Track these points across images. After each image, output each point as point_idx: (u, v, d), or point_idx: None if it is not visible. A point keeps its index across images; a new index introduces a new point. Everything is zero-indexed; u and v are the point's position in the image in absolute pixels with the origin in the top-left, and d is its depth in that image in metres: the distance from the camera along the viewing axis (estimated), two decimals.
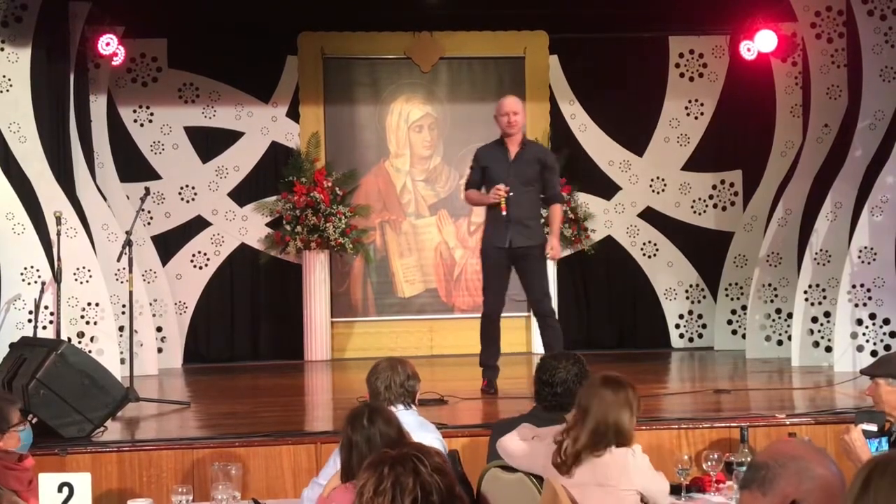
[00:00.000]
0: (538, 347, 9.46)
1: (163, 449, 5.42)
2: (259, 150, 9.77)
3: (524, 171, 6.81)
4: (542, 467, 3.79)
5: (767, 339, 9.09)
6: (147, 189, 8.04)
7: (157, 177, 9.54)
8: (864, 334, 7.83)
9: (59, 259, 7.39)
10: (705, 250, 9.96)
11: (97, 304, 7.86)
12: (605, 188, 10.05)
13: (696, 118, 10.06)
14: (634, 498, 3.63)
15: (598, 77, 9.98)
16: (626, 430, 3.73)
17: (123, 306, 7.90)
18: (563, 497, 3.39)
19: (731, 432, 5.49)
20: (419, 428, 4.19)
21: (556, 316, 7.03)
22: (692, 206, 10.06)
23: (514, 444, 4.01)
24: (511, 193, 6.67)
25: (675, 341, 9.99)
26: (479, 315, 9.75)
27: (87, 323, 7.82)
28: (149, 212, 9.33)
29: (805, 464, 2.25)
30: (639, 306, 10.07)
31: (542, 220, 7.22)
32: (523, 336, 9.89)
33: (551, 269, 9.81)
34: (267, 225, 9.75)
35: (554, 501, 3.50)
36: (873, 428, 4.18)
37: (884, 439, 4.17)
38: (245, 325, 9.78)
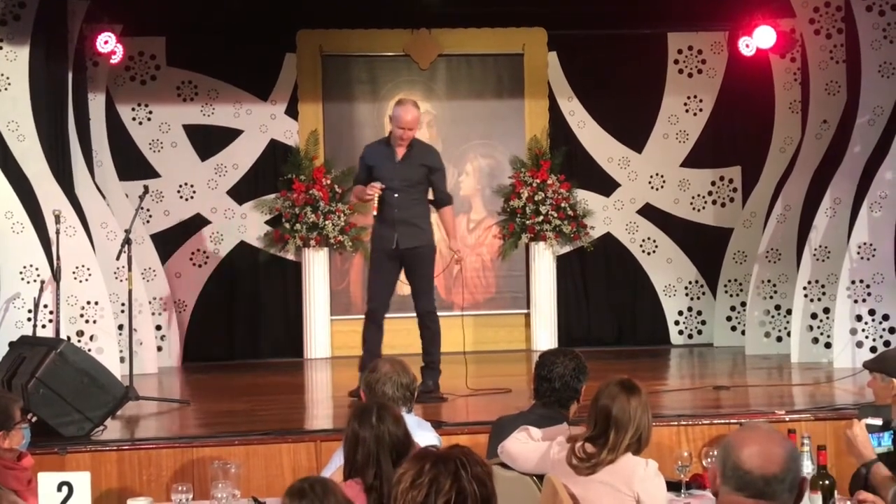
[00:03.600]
0: (537, 345, 9.51)
1: (162, 447, 5.43)
2: (258, 148, 9.76)
3: (409, 174, 6.75)
4: (551, 467, 3.78)
5: (767, 335, 9.09)
6: (146, 187, 8.05)
7: (155, 175, 9.53)
8: (863, 330, 7.82)
9: (58, 258, 7.38)
10: (704, 247, 9.95)
11: (96, 303, 7.85)
12: (604, 185, 10.04)
13: (694, 114, 10.05)
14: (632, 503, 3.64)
15: (597, 74, 9.97)
16: (648, 436, 3.74)
17: (123, 305, 7.89)
18: (563, 494, 3.39)
19: (730, 429, 5.49)
20: (417, 427, 4.19)
21: (437, 312, 6.99)
22: (691, 203, 10.06)
23: (518, 448, 4.00)
24: (396, 194, 6.66)
25: (675, 338, 9.99)
26: (481, 313, 9.85)
27: (87, 321, 7.81)
28: (148, 210, 9.33)
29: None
30: (638, 303, 10.07)
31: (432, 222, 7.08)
32: (522, 333, 9.89)
33: (549, 266, 9.86)
34: (266, 223, 9.74)
35: (554, 498, 3.50)
36: (878, 422, 4.19)
37: (887, 434, 4.17)
38: (244, 323, 9.76)
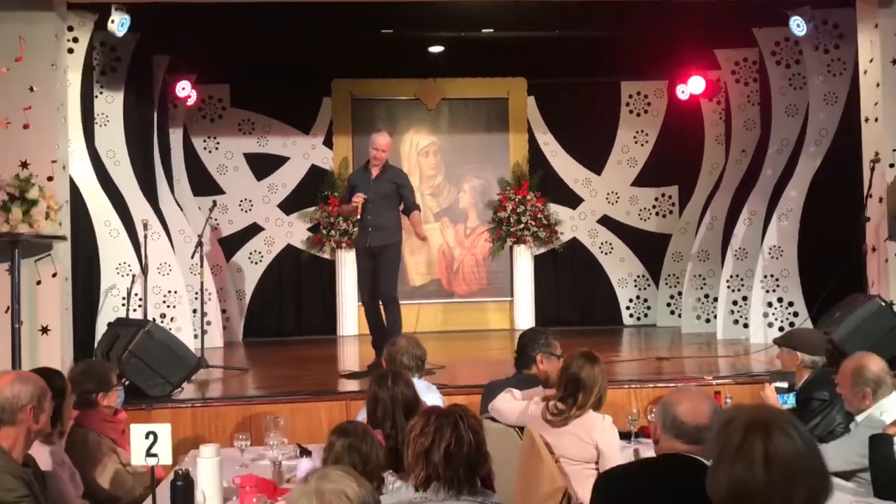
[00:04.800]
0: (518, 325, 9.50)
1: (227, 405, 5.41)
2: (301, 171, 9.76)
3: (381, 188, 6.58)
4: (530, 421, 3.78)
5: (698, 317, 9.09)
6: (214, 202, 8.09)
7: (221, 192, 9.53)
8: (773, 314, 7.82)
9: (145, 256, 7.38)
10: (649, 249, 9.94)
11: (175, 292, 7.85)
12: (571, 200, 10.03)
13: (642, 145, 10.04)
14: (592, 451, 3.63)
15: (566, 113, 9.96)
16: (605, 396, 3.74)
17: (196, 293, 7.87)
18: (539, 443, 3.38)
19: (670, 391, 5.46)
20: (426, 390, 4.18)
21: (399, 301, 6.67)
22: (639, 214, 10.05)
23: (504, 405, 3.99)
24: (370, 204, 6.51)
25: (626, 320, 9.98)
26: (475, 300, 9.84)
27: (168, 307, 7.81)
28: (216, 219, 9.33)
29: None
30: (597, 292, 10.06)
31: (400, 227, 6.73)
32: (507, 316, 9.88)
33: (528, 263, 9.85)
34: (308, 229, 9.73)
35: (532, 446, 3.49)
36: (784, 385, 4.21)
37: (791, 394, 4.18)
38: (291, 307, 9.76)
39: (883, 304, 5.99)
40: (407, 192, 6.74)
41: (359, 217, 6.56)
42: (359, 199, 6.51)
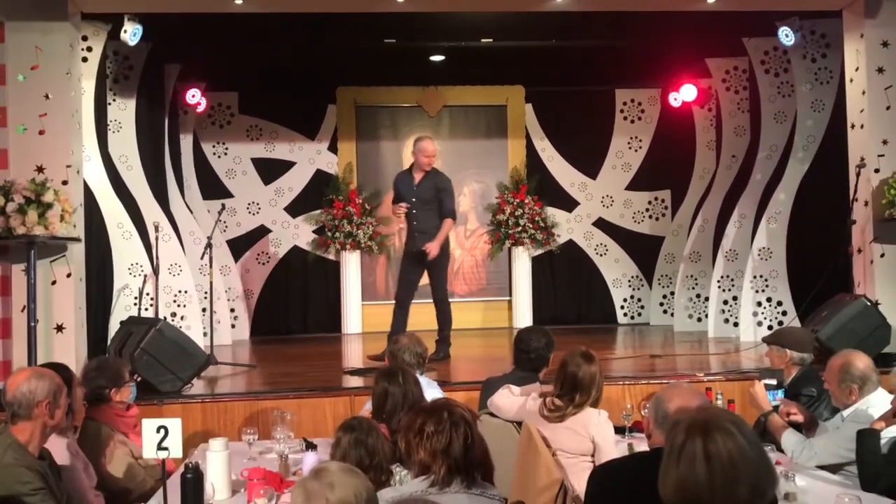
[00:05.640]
0: (517, 323, 9.49)
1: (235, 401, 5.41)
2: (307, 176, 9.76)
3: (423, 194, 6.61)
4: (527, 416, 3.77)
5: (690, 316, 9.09)
6: (223, 205, 8.07)
7: (230, 195, 9.54)
8: (762, 313, 7.82)
9: (157, 257, 7.39)
10: (643, 250, 9.94)
11: (186, 292, 7.85)
12: (568, 203, 10.04)
13: (635, 151, 10.05)
14: (589, 445, 3.62)
15: (562, 120, 9.97)
16: (602, 393, 3.73)
17: (205, 293, 7.88)
18: (536, 437, 3.37)
19: (662, 387, 5.45)
20: (427, 386, 4.18)
21: (448, 300, 6.80)
22: (633, 217, 10.05)
23: (503, 401, 3.98)
24: (414, 210, 6.57)
25: (621, 318, 9.98)
26: (475, 299, 9.84)
27: (179, 305, 7.81)
28: (224, 222, 9.33)
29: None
30: (593, 292, 10.06)
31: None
32: (506, 315, 9.88)
33: (526, 264, 9.85)
34: (313, 231, 9.74)
35: (529, 440, 3.48)
36: (773, 382, 4.20)
37: (780, 391, 4.18)
38: (297, 306, 9.76)
39: (868, 303, 5.99)
40: (445, 195, 6.70)
41: (402, 225, 6.61)
42: (401, 209, 6.57)
